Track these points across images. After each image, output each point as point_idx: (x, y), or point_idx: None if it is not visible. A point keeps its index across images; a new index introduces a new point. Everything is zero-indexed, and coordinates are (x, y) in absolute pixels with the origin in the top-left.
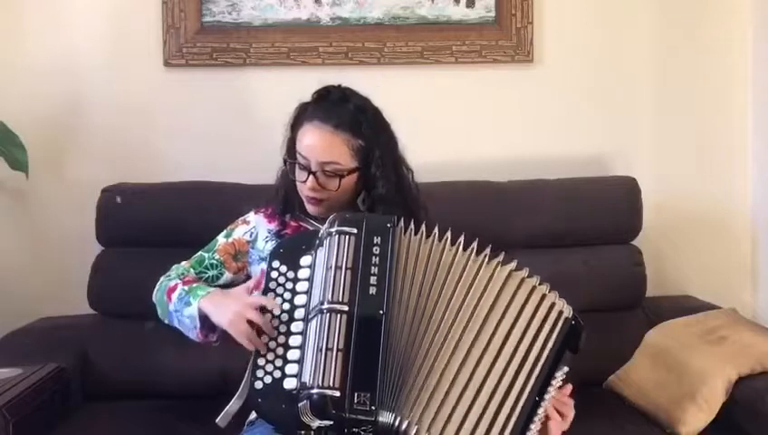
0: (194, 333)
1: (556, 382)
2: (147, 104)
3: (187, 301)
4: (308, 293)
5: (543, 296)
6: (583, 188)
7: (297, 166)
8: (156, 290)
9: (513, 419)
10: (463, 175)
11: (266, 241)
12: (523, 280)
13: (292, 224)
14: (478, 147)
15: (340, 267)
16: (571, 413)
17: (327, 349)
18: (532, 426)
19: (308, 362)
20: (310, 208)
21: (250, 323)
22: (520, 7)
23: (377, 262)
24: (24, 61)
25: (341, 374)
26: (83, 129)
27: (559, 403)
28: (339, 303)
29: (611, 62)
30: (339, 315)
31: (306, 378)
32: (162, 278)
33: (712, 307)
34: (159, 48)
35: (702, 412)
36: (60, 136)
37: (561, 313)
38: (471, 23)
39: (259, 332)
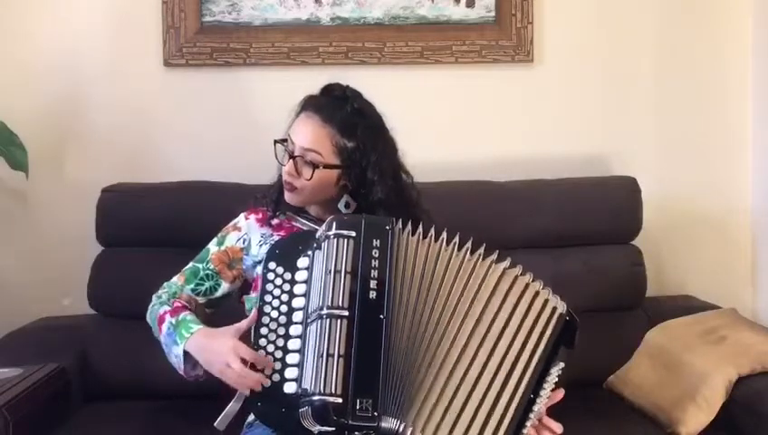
0: (180, 371)
1: (552, 379)
2: (147, 104)
3: (174, 339)
4: (306, 295)
5: (537, 293)
6: (583, 188)
7: (285, 150)
8: (149, 311)
9: (508, 417)
10: (463, 175)
11: (260, 245)
12: (516, 278)
13: (285, 225)
14: (478, 147)
15: (339, 271)
16: (557, 429)
17: (328, 355)
18: (528, 423)
19: (308, 368)
20: (286, 195)
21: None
22: (520, 7)
23: (376, 265)
24: (24, 60)
25: (343, 380)
26: (83, 129)
27: (546, 419)
28: (339, 308)
29: (611, 62)
30: (339, 320)
31: (307, 384)
32: (154, 299)
33: (712, 307)
34: (159, 48)
35: (702, 412)
36: (60, 136)
37: (554, 309)
38: (471, 23)
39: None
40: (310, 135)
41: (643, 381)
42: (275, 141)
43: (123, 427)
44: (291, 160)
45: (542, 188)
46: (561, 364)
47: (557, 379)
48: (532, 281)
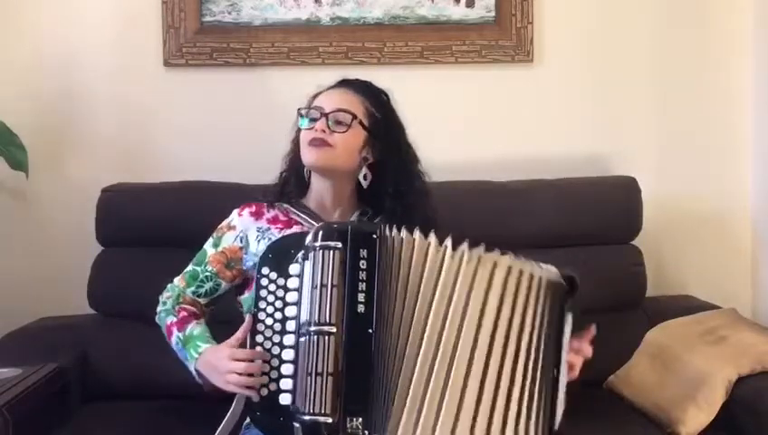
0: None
1: (566, 338)
2: (147, 104)
3: (185, 356)
4: (297, 304)
5: (521, 272)
6: (583, 188)
7: (309, 118)
8: (156, 315)
9: (535, 403)
10: (463, 175)
11: (258, 241)
12: (496, 263)
13: (282, 218)
14: (478, 147)
15: (326, 286)
16: (587, 350)
17: (317, 374)
18: (560, 395)
19: (300, 385)
20: (309, 156)
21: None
22: (520, 7)
23: (364, 277)
24: (23, 61)
25: (332, 399)
26: (83, 129)
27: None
28: (326, 324)
29: (611, 62)
30: (327, 337)
31: (298, 402)
32: (160, 304)
33: (712, 307)
34: (159, 48)
35: (702, 412)
36: (60, 136)
37: (540, 279)
38: (471, 23)
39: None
40: (344, 98)
41: (643, 380)
42: (299, 110)
43: (123, 427)
44: (323, 117)
45: (542, 188)
46: (570, 316)
47: (571, 328)
48: (515, 259)
